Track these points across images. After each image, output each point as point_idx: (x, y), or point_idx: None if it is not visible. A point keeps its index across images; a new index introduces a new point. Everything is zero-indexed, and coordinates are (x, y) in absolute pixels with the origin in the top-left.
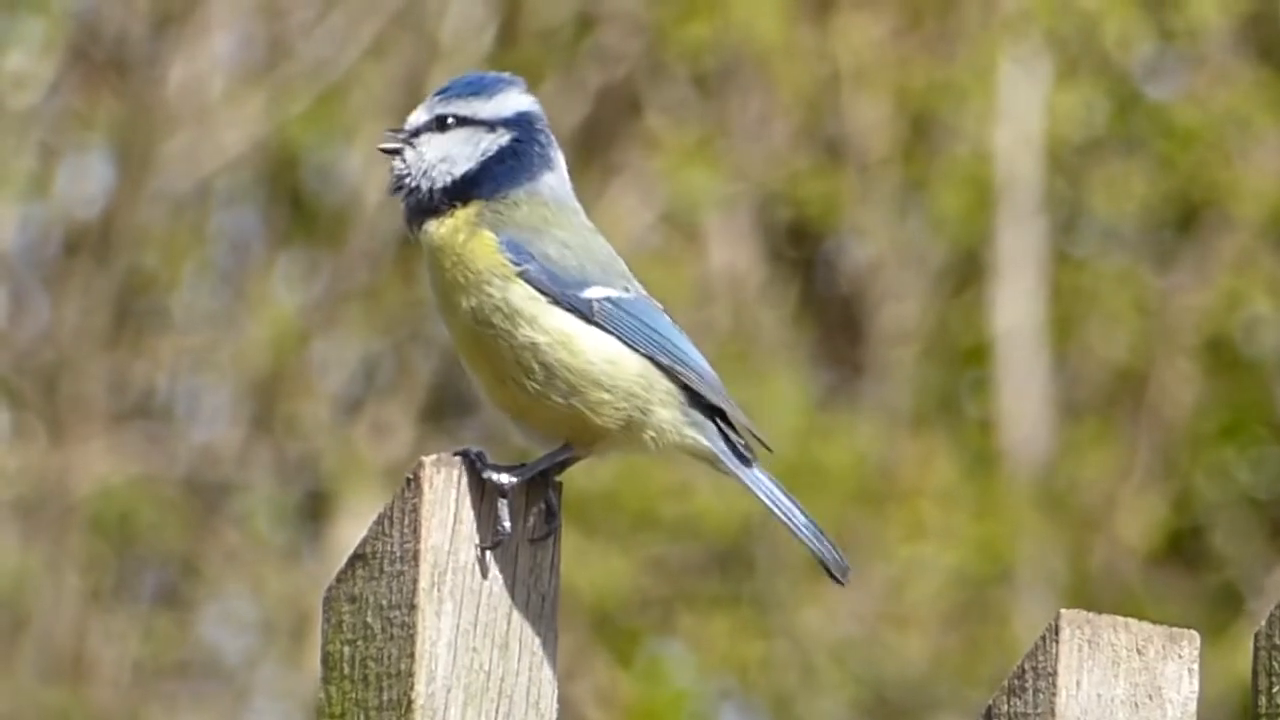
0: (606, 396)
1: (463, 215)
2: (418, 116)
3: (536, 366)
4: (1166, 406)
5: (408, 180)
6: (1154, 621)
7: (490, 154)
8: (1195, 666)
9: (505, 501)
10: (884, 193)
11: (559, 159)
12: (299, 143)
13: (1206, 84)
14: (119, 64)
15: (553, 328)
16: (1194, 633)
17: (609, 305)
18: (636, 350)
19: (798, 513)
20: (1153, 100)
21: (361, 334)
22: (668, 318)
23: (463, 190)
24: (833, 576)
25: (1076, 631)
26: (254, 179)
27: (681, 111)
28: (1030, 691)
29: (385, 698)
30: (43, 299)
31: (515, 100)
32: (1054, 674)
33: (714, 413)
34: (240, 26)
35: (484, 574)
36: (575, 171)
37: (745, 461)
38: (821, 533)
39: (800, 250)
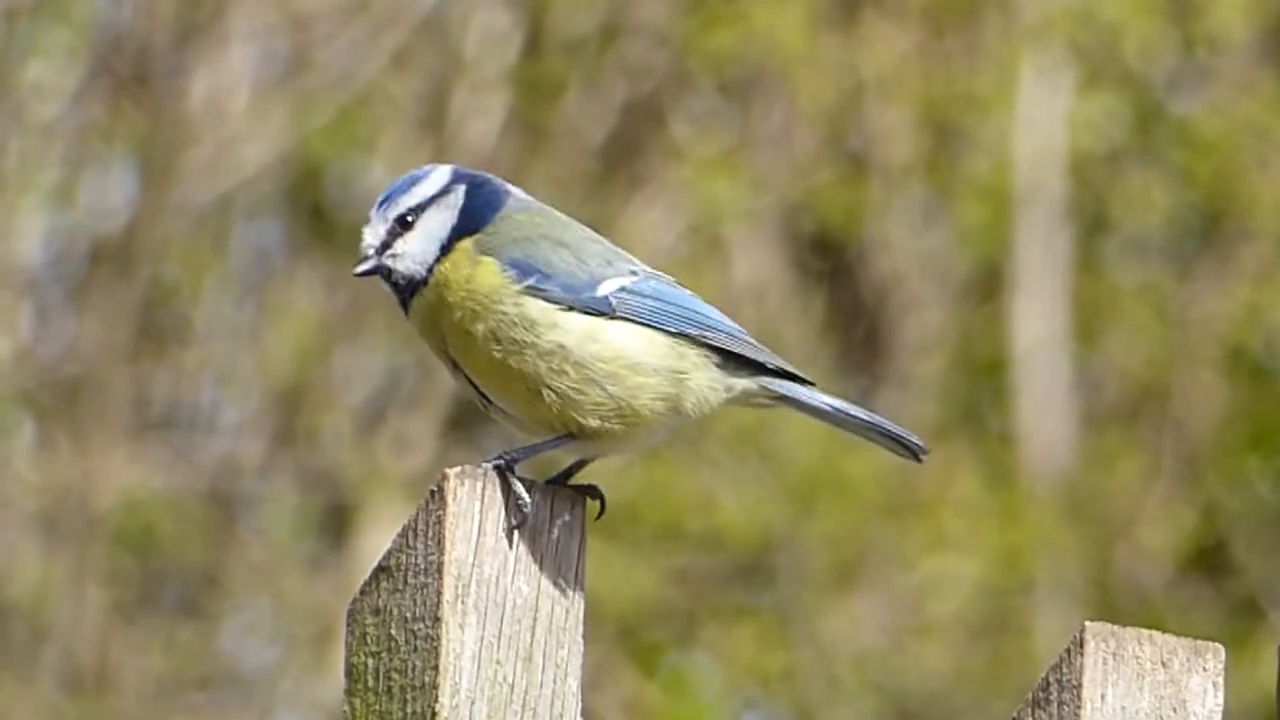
0: (643, 380)
1: (460, 250)
2: (375, 233)
3: (569, 368)
4: (1189, 418)
5: (413, 277)
6: (1176, 633)
7: (461, 204)
8: (1220, 680)
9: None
10: (907, 204)
11: (511, 185)
12: (321, 155)
13: (1228, 95)
14: (142, 76)
15: (575, 326)
16: (1219, 646)
17: (625, 295)
18: (665, 330)
19: (859, 412)
20: (1174, 111)
21: (383, 346)
22: (682, 288)
23: (454, 241)
24: (914, 455)
25: (1101, 644)
26: (276, 191)
27: (706, 123)
28: (1055, 704)
29: (409, 710)
30: (66, 311)
31: (444, 171)
32: (1079, 686)
33: (751, 366)
34: (262, 39)
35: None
36: (600, 183)
37: (796, 384)
38: (888, 421)
39: (824, 261)
